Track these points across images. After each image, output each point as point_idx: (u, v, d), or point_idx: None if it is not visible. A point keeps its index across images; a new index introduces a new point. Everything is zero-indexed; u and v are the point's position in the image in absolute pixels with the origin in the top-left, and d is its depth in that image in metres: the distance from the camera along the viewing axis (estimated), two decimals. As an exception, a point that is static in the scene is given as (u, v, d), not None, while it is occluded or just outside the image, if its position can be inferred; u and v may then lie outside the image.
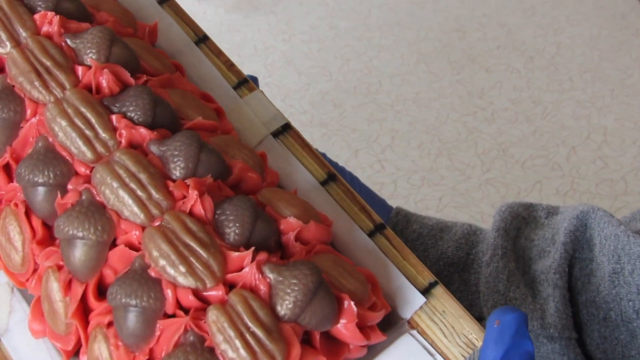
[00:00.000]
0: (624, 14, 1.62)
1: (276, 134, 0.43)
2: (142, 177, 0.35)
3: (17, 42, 0.40)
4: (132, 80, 0.39)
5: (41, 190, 0.36)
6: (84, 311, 0.35)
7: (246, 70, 0.48)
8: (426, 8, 1.69)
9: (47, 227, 0.37)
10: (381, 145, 1.33)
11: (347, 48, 1.59)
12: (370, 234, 0.39)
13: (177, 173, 0.35)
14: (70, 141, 0.36)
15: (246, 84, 0.45)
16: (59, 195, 0.36)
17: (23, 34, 0.40)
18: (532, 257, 0.50)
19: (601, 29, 1.58)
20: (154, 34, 0.45)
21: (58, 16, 0.40)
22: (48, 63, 0.39)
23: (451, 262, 0.52)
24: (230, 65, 0.46)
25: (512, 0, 1.68)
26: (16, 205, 0.37)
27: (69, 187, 0.36)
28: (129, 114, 0.37)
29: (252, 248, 0.33)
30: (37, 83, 0.38)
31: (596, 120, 1.35)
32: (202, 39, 0.47)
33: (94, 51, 0.39)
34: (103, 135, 0.36)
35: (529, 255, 0.50)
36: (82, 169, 0.36)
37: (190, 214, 0.34)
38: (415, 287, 0.36)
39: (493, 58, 1.52)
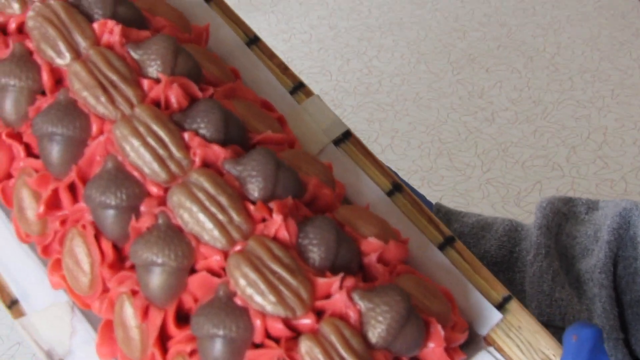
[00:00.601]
0: (624, 14, 1.62)
1: (337, 142, 0.41)
2: (222, 199, 0.33)
3: (77, 54, 0.38)
4: (199, 94, 0.37)
5: (112, 212, 0.34)
6: (162, 338, 0.33)
7: None
8: (426, 8, 1.69)
9: (117, 249, 0.35)
10: (381, 145, 1.33)
11: (347, 48, 1.59)
12: (441, 248, 0.37)
13: (255, 194, 0.34)
14: (142, 161, 0.34)
15: (302, 88, 0.43)
16: (133, 218, 0.34)
17: (82, 44, 0.38)
18: (575, 256, 0.50)
19: (601, 29, 1.57)
20: (205, 36, 0.43)
21: (119, 25, 0.38)
22: (113, 77, 0.37)
23: (495, 261, 0.51)
24: (284, 69, 0.44)
25: (512, 0, 1.68)
26: (84, 227, 0.36)
27: (142, 209, 0.34)
28: (200, 130, 0.35)
29: (341, 274, 0.31)
30: (102, 98, 0.36)
31: (596, 120, 1.35)
32: (253, 40, 0.45)
33: (159, 63, 0.37)
34: (177, 154, 0.35)
35: (571, 254, 0.50)
36: (154, 190, 0.34)
37: (275, 238, 0.32)
38: (490, 302, 0.35)
39: (493, 58, 1.52)
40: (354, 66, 1.53)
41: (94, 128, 0.36)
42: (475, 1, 1.69)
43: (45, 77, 0.38)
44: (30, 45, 0.39)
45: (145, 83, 0.37)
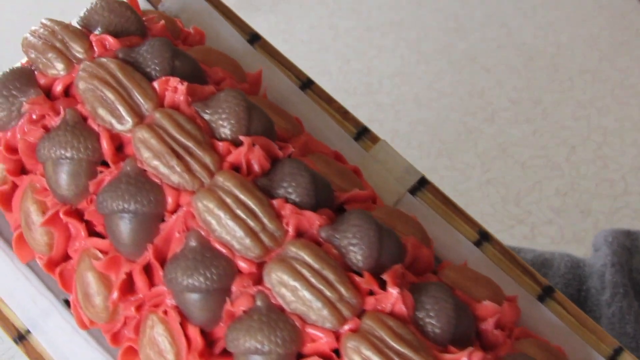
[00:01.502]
0: (624, 14, 1.62)
1: (413, 191, 0.38)
2: (327, 273, 0.30)
3: (140, 117, 0.34)
4: (280, 153, 0.34)
5: (201, 295, 0.31)
6: None
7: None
8: (426, 8, 1.69)
9: (205, 334, 0.32)
10: (381, 145, 1.33)
11: (347, 48, 1.59)
12: (540, 300, 0.35)
13: (360, 264, 0.31)
14: (232, 236, 0.31)
15: (367, 133, 0.40)
16: (228, 302, 0.31)
17: (145, 105, 0.34)
18: None
19: (601, 29, 1.57)
20: (259, 84, 0.40)
21: (185, 83, 0.34)
22: (185, 141, 0.33)
23: None
24: (344, 113, 0.41)
25: (512, 0, 1.68)
26: (166, 312, 0.32)
27: (235, 289, 0.31)
28: (290, 196, 0.32)
29: (469, 349, 0.29)
30: (177, 166, 0.32)
31: (596, 120, 1.35)
32: (306, 84, 0.42)
33: (232, 122, 0.33)
34: (269, 225, 0.31)
35: None
36: (246, 267, 0.31)
37: (391, 313, 0.30)
38: (602, 355, 0.33)
39: (493, 58, 1.52)
40: (354, 66, 1.53)
41: (170, 201, 0.33)
42: (475, 1, 1.69)
43: (106, 145, 0.34)
44: (83, 110, 0.35)
45: (221, 146, 0.33)
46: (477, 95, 1.43)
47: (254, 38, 0.43)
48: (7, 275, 0.38)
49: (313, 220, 0.31)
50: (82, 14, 0.41)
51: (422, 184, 0.39)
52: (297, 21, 1.67)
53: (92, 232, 0.35)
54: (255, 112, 0.34)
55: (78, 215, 0.35)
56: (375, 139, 0.40)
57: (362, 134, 0.40)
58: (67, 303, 0.38)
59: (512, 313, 0.32)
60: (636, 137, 1.32)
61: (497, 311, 0.31)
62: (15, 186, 0.37)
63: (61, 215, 0.35)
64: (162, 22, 0.39)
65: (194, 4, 0.44)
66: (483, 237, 0.37)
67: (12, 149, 0.37)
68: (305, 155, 0.35)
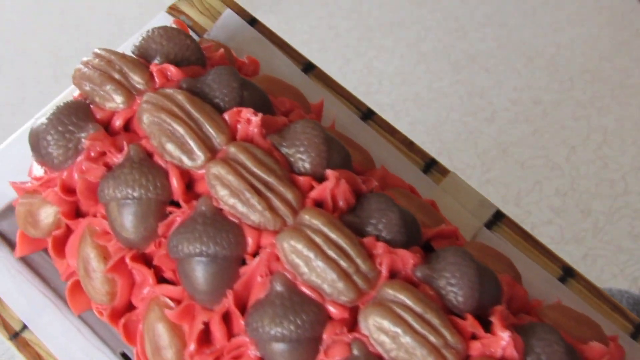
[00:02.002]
0: (624, 14, 1.62)
1: (489, 225, 0.37)
2: (429, 317, 0.28)
3: (212, 152, 0.31)
4: (363, 187, 0.32)
5: (289, 344, 0.28)
6: None
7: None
8: (426, 8, 1.69)
9: None
10: (381, 145, 1.33)
11: (347, 48, 1.59)
12: (634, 337, 0.33)
13: (460, 305, 0.29)
14: (322, 279, 0.28)
15: (435, 165, 0.38)
16: (321, 351, 0.28)
17: (217, 139, 0.32)
18: None
19: (601, 29, 1.57)
20: (321, 114, 0.38)
21: (259, 114, 0.31)
22: (266, 177, 0.30)
23: None
24: (409, 144, 0.39)
25: (512, 0, 1.68)
26: None
27: (326, 337, 0.28)
28: (380, 234, 0.30)
29: None
30: (258, 205, 0.30)
31: (596, 120, 1.35)
32: (367, 114, 0.40)
33: (312, 155, 0.31)
34: (363, 266, 0.29)
35: None
36: (338, 312, 0.29)
37: (502, 359, 0.28)
38: None
39: (493, 58, 1.52)
40: (354, 66, 1.53)
41: (250, 242, 0.30)
42: (475, 1, 1.69)
43: (176, 183, 0.31)
44: (148, 145, 0.32)
45: (302, 181, 0.31)
46: (477, 95, 1.43)
47: (308, 67, 0.42)
48: (57, 328, 0.35)
49: (407, 259, 0.29)
50: (137, 43, 0.37)
51: (497, 218, 0.37)
52: (297, 21, 1.67)
53: (160, 279, 0.32)
54: (333, 144, 0.32)
55: (145, 260, 0.32)
56: (444, 171, 0.38)
57: (431, 166, 0.38)
58: (124, 357, 0.35)
59: (618, 354, 0.30)
60: (636, 137, 1.32)
61: (604, 352, 0.29)
62: (69, 230, 0.35)
63: (127, 260, 0.32)
64: (222, 50, 0.37)
65: (242, 33, 0.43)
66: (567, 273, 0.35)
67: (68, 190, 0.34)
68: (384, 189, 0.33)
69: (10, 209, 0.40)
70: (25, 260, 0.38)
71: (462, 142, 1.33)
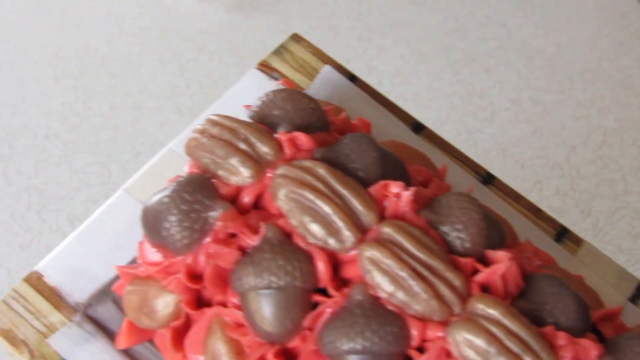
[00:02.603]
0: (624, 14, 1.62)
1: (633, 299, 0.34)
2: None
3: (362, 232, 0.28)
4: (528, 267, 0.29)
5: None
6: None
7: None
8: (426, 8, 1.69)
9: None
10: (381, 145, 1.33)
11: (347, 48, 1.59)
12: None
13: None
14: None
15: (567, 234, 0.36)
16: None
17: (367, 217, 0.28)
18: None
19: (601, 29, 1.57)
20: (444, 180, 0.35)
21: (412, 188, 0.29)
22: (429, 260, 0.27)
23: None
24: (537, 211, 0.37)
25: (512, 0, 1.68)
26: None
27: None
28: (556, 321, 0.27)
29: None
30: (423, 293, 0.26)
31: (596, 120, 1.35)
32: (487, 179, 0.37)
33: (473, 233, 0.28)
34: None
35: None
36: None
37: None
38: None
39: (493, 58, 1.52)
40: (354, 66, 1.53)
41: (414, 335, 0.27)
42: (475, 1, 1.69)
43: (323, 268, 0.28)
44: (285, 224, 0.29)
45: (464, 263, 0.28)
46: (477, 95, 1.43)
47: (417, 127, 0.39)
48: None
49: (589, 350, 0.26)
50: (255, 108, 0.33)
51: None
52: (297, 21, 1.67)
53: None
54: (490, 220, 0.29)
55: (288, 356, 0.29)
56: (578, 240, 0.35)
57: (563, 234, 0.36)
58: None
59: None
60: (636, 137, 1.32)
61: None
62: (189, 321, 0.31)
63: (269, 357, 0.28)
64: (344, 114, 0.34)
65: (343, 91, 0.40)
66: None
67: (194, 277, 0.31)
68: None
69: (104, 293, 0.37)
70: (127, 352, 0.35)
71: (462, 142, 1.33)
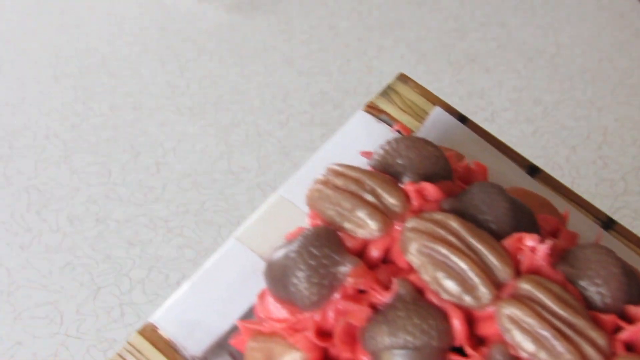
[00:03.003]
0: (624, 14, 1.62)
1: None
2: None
3: (498, 288, 0.27)
4: None
5: None
6: None
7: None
8: (426, 8, 1.69)
9: None
10: (381, 145, 1.33)
11: (347, 48, 1.59)
12: None
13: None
14: None
15: None
16: None
17: (503, 273, 0.27)
18: None
19: (601, 29, 1.57)
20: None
21: (548, 241, 0.27)
22: (572, 318, 0.26)
23: None
24: None
25: (512, 0, 1.68)
26: None
27: None
28: None
29: None
30: (568, 354, 0.25)
31: (596, 120, 1.35)
32: (608, 223, 0.35)
33: (613, 289, 0.27)
34: None
35: None
36: None
37: None
38: None
39: (493, 58, 1.52)
40: (354, 66, 1.53)
41: None
42: (475, 1, 1.69)
43: (459, 326, 0.27)
44: (416, 280, 0.28)
45: (606, 320, 0.26)
46: (477, 95, 1.43)
47: (532, 170, 0.38)
48: None
49: None
50: (376, 156, 0.32)
51: None
52: (297, 21, 1.67)
53: None
54: (626, 271, 0.28)
55: None
56: None
57: None
58: None
59: None
60: (636, 137, 1.32)
61: None
62: None
63: None
64: (466, 161, 0.33)
65: (454, 133, 0.39)
66: None
67: (322, 334, 0.30)
68: None
69: (220, 346, 0.36)
70: None
71: (462, 142, 1.33)
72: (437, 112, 0.41)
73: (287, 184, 0.40)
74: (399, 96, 0.42)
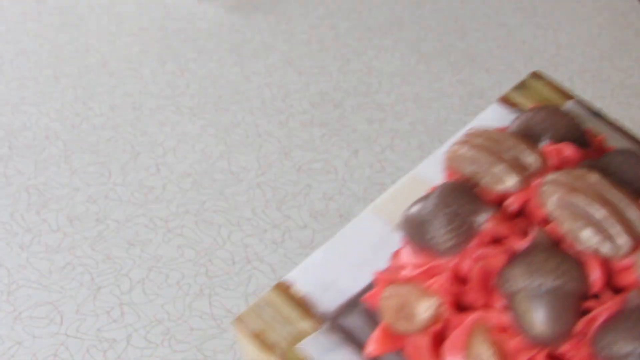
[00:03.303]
0: (624, 14, 1.62)
1: None
2: None
3: (637, 240, 0.28)
4: None
5: None
6: None
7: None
8: (426, 8, 1.69)
9: None
10: (381, 145, 1.33)
11: (347, 48, 1.59)
12: None
13: None
14: None
15: None
16: None
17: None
18: None
19: (601, 29, 1.58)
20: None
21: None
22: None
23: None
24: None
25: (512, 0, 1.68)
26: None
27: None
28: None
29: None
30: None
31: (596, 120, 1.35)
32: None
33: None
34: None
35: None
36: None
37: None
38: None
39: (493, 58, 1.52)
40: (354, 66, 1.53)
41: None
42: (475, 1, 1.69)
43: (597, 274, 0.28)
44: (553, 230, 0.29)
45: None
46: (476, 95, 1.43)
47: None
48: None
49: None
50: (513, 122, 0.34)
51: None
52: (297, 21, 1.67)
53: None
54: None
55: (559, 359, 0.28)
56: None
57: None
58: None
59: None
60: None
61: None
62: (448, 325, 0.31)
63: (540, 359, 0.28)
64: (603, 135, 0.34)
65: (588, 126, 0.39)
66: None
67: (458, 280, 0.31)
68: None
69: (352, 304, 0.38)
70: None
71: (462, 142, 1.33)
72: (570, 106, 0.41)
73: (420, 165, 0.41)
74: (533, 91, 0.42)
